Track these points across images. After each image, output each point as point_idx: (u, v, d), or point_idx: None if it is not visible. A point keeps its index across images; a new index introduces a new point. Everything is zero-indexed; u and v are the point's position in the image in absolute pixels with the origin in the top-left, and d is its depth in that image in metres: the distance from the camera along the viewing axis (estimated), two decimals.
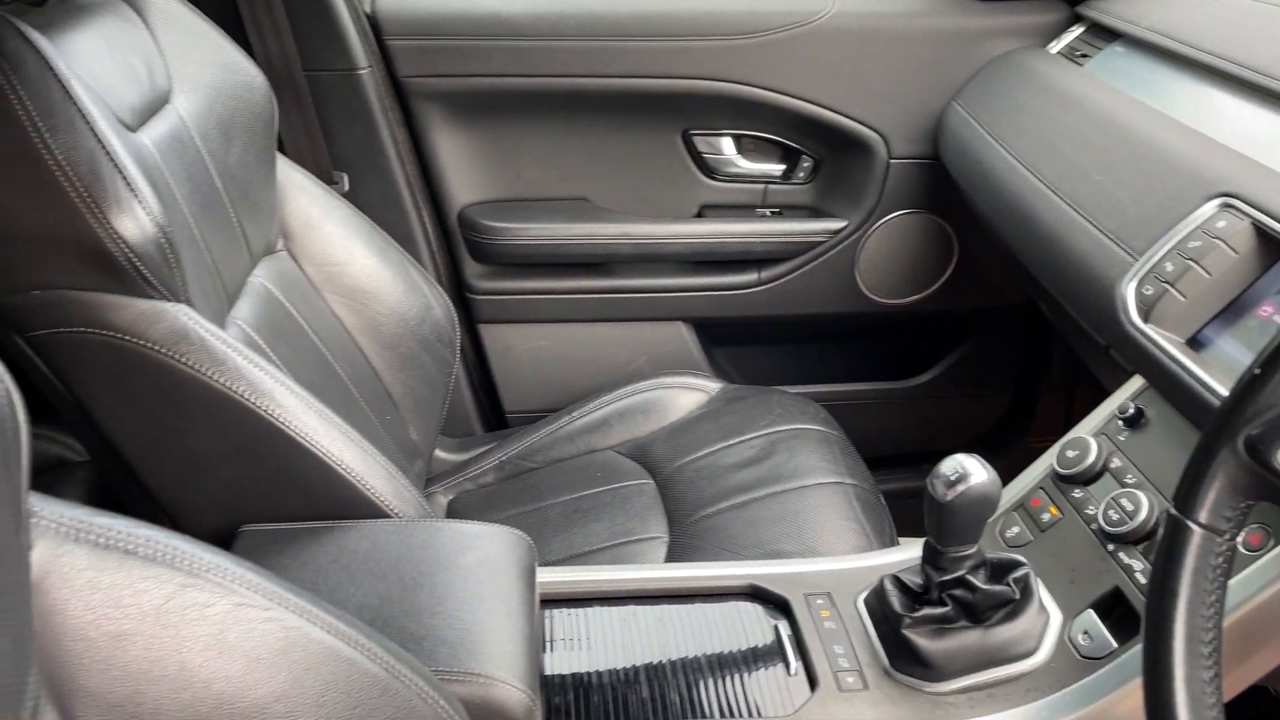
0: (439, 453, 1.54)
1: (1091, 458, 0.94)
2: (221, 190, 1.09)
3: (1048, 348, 1.76)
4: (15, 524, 0.51)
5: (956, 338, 1.77)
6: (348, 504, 0.93)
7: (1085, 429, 0.99)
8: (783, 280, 1.65)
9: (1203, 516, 0.57)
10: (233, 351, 0.89)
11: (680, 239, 1.61)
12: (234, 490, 0.92)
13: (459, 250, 1.63)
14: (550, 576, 0.97)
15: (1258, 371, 0.56)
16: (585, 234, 1.59)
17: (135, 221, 0.82)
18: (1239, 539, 0.61)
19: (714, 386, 1.53)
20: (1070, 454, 0.97)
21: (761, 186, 1.65)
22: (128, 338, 0.85)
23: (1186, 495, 0.58)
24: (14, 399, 0.50)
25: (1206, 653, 0.56)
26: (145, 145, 0.94)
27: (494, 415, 1.73)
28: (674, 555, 1.23)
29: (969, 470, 0.83)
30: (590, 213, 1.63)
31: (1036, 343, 1.77)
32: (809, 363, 1.79)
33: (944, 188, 1.59)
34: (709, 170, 1.65)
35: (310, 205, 1.30)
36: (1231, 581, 0.70)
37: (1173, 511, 0.58)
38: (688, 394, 1.53)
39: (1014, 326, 1.77)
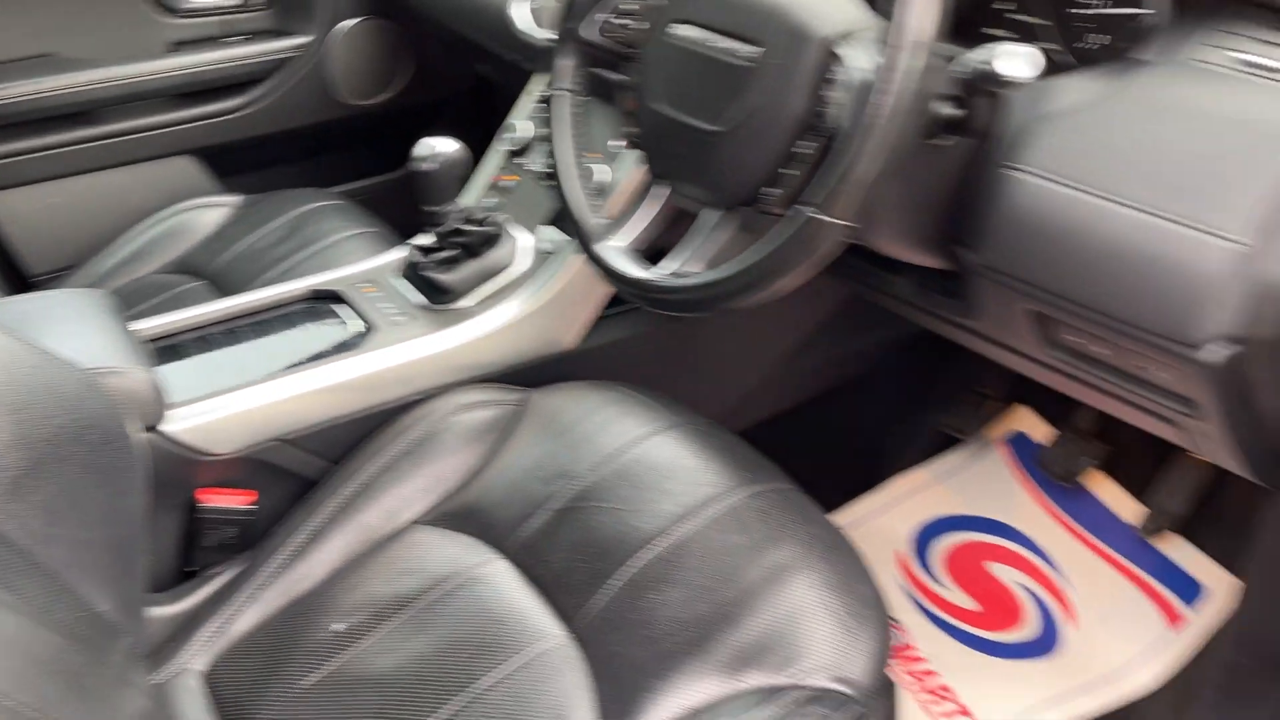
0: None
1: (530, 133, 1.33)
2: None
3: (493, 116, 2.15)
4: None
5: (429, 127, 2.10)
6: None
7: (518, 116, 1.37)
8: (269, 99, 1.86)
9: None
10: None
11: (162, 74, 1.74)
12: None
13: None
14: (146, 324, 1.17)
15: None
16: (64, 85, 1.67)
17: None
18: None
19: (235, 199, 1.73)
20: (513, 136, 1.35)
21: (221, 19, 1.82)
22: None
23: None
24: None
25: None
26: None
27: (16, 280, 1.76)
28: None
29: (438, 145, 1.16)
30: (64, 65, 1.69)
31: (486, 115, 2.15)
32: (318, 171, 2.02)
33: None
34: (168, 8, 1.78)
35: None
36: None
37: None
38: (212, 210, 1.71)
39: (470, 107, 2.13)
